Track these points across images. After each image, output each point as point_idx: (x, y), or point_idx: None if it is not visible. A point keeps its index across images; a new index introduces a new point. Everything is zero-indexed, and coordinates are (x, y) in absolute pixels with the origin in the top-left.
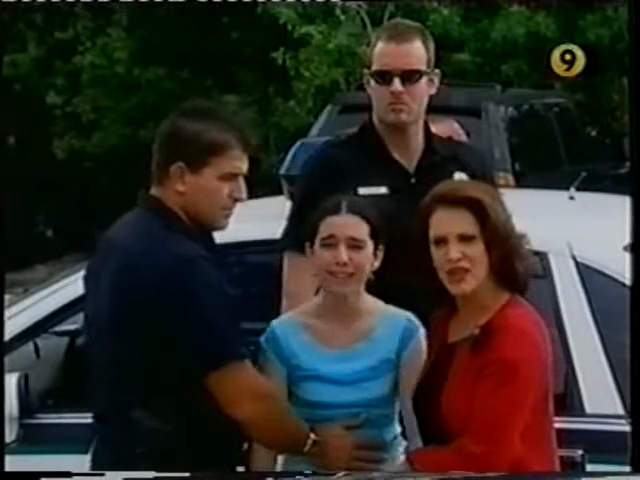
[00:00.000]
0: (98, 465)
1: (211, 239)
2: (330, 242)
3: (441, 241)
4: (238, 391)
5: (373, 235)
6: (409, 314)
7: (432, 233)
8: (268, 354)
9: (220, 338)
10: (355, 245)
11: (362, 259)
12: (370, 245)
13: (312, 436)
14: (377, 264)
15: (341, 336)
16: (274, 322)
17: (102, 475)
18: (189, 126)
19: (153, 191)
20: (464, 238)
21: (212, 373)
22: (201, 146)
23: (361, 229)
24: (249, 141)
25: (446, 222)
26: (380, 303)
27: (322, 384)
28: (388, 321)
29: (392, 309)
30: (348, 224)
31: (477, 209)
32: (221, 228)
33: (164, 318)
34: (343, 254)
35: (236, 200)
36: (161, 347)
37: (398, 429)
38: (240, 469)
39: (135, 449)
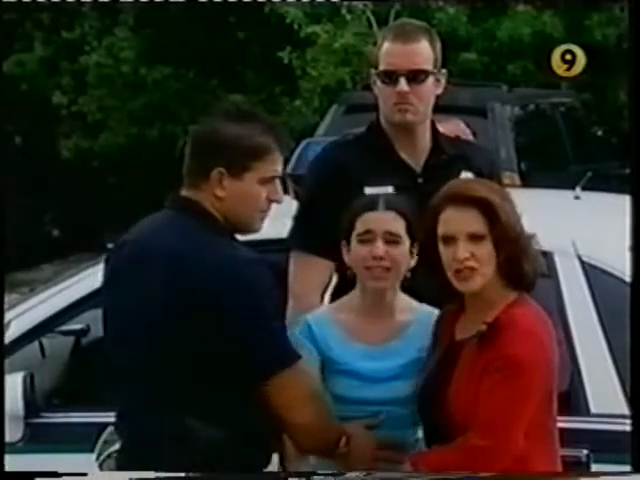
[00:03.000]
0: (122, 463)
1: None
2: (367, 237)
3: (450, 240)
4: (298, 394)
5: (410, 232)
6: None
7: (441, 231)
8: (304, 345)
9: (284, 340)
10: (392, 240)
11: (399, 254)
12: (407, 241)
13: (344, 438)
14: (413, 263)
15: (376, 333)
16: (308, 316)
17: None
18: (230, 130)
19: (189, 194)
20: (473, 237)
21: (277, 376)
22: (243, 150)
23: (398, 224)
24: (287, 143)
25: (455, 221)
26: (413, 301)
27: (353, 379)
28: (422, 319)
29: (427, 307)
30: (385, 219)
31: (487, 209)
32: (257, 231)
33: (228, 322)
34: (380, 248)
35: (272, 202)
36: (219, 350)
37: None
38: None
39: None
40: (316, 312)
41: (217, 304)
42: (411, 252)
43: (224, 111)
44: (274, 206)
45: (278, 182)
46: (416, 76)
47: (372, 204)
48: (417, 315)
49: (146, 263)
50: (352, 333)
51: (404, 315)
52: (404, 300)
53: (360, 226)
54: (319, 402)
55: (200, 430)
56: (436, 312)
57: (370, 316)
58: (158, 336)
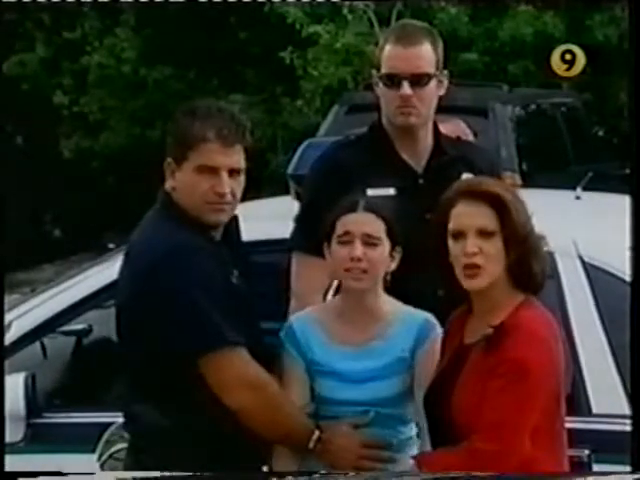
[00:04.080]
0: (126, 466)
1: (231, 235)
2: (346, 239)
3: (459, 235)
4: (228, 378)
5: (389, 235)
6: (428, 314)
7: (451, 226)
8: (287, 349)
9: (212, 324)
10: (370, 242)
11: (377, 256)
12: (386, 244)
13: (317, 433)
14: (394, 266)
15: (358, 334)
16: (292, 318)
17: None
18: (177, 123)
19: (165, 185)
20: (483, 233)
21: (201, 358)
22: (181, 141)
23: (377, 226)
24: (230, 136)
25: (466, 216)
26: (398, 303)
27: (336, 381)
28: (405, 320)
29: (410, 309)
30: (364, 221)
31: (498, 205)
32: (214, 223)
33: (157, 307)
34: (358, 249)
35: (220, 195)
36: (159, 337)
37: (413, 430)
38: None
39: (142, 446)
40: (300, 314)
41: (149, 292)
42: (392, 256)
43: (181, 108)
44: (276, 206)
45: (224, 174)
46: (419, 80)
47: (352, 206)
48: (399, 316)
49: (123, 258)
50: (332, 334)
51: (386, 316)
52: (387, 302)
53: (339, 228)
54: (260, 390)
55: (155, 423)
56: (420, 313)
57: (351, 317)
58: (121, 328)
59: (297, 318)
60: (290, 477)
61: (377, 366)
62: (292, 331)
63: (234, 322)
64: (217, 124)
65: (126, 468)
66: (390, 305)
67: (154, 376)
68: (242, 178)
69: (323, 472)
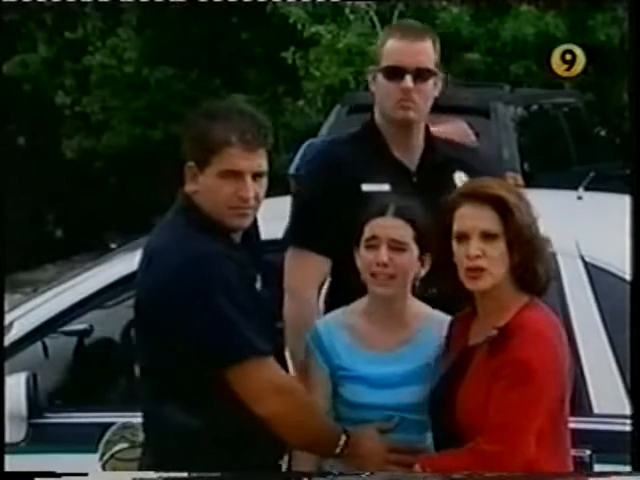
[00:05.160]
0: (142, 466)
1: (250, 237)
2: (373, 243)
3: (463, 237)
4: (257, 387)
5: (419, 240)
6: None
7: (455, 228)
8: (312, 353)
9: (234, 334)
10: (397, 247)
11: (404, 261)
12: (415, 249)
13: (343, 438)
14: (424, 271)
15: (385, 339)
16: (319, 322)
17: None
18: (197, 126)
19: (185, 189)
20: (486, 236)
21: (230, 369)
22: (203, 145)
23: (404, 232)
24: (253, 140)
25: (470, 218)
26: (427, 308)
27: (363, 385)
28: (434, 326)
29: (440, 315)
30: (391, 226)
31: (502, 208)
32: (236, 228)
33: (181, 315)
34: (384, 255)
35: (244, 199)
36: (181, 346)
37: None
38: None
39: (166, 446)
40: (327, 317)
41: (172, 299)
42: (421, 260)
43: (198, 109)
44: (277, 206)
45: (248, 178)
46: (421, 74)
47: (381, 210)
48: (429, 322)
49: (140, 262)
50: (360, 339)
51: (415, 321)
52: (416, 306)
53: (367, 231)
54: (289, 396)
55: (182, 424)
56: (449, 318)
57: (379, 322)
58: (137, 332)
59: (324, 322)
60: (305, 478)
61: (405, 372)
62: (318, 335)
63: (260, 329)
64: (239, 127)
65: (141, 468)
66: (418, 309)
67: (180, 379)
68: (265, 181)
69: (332, 473)
